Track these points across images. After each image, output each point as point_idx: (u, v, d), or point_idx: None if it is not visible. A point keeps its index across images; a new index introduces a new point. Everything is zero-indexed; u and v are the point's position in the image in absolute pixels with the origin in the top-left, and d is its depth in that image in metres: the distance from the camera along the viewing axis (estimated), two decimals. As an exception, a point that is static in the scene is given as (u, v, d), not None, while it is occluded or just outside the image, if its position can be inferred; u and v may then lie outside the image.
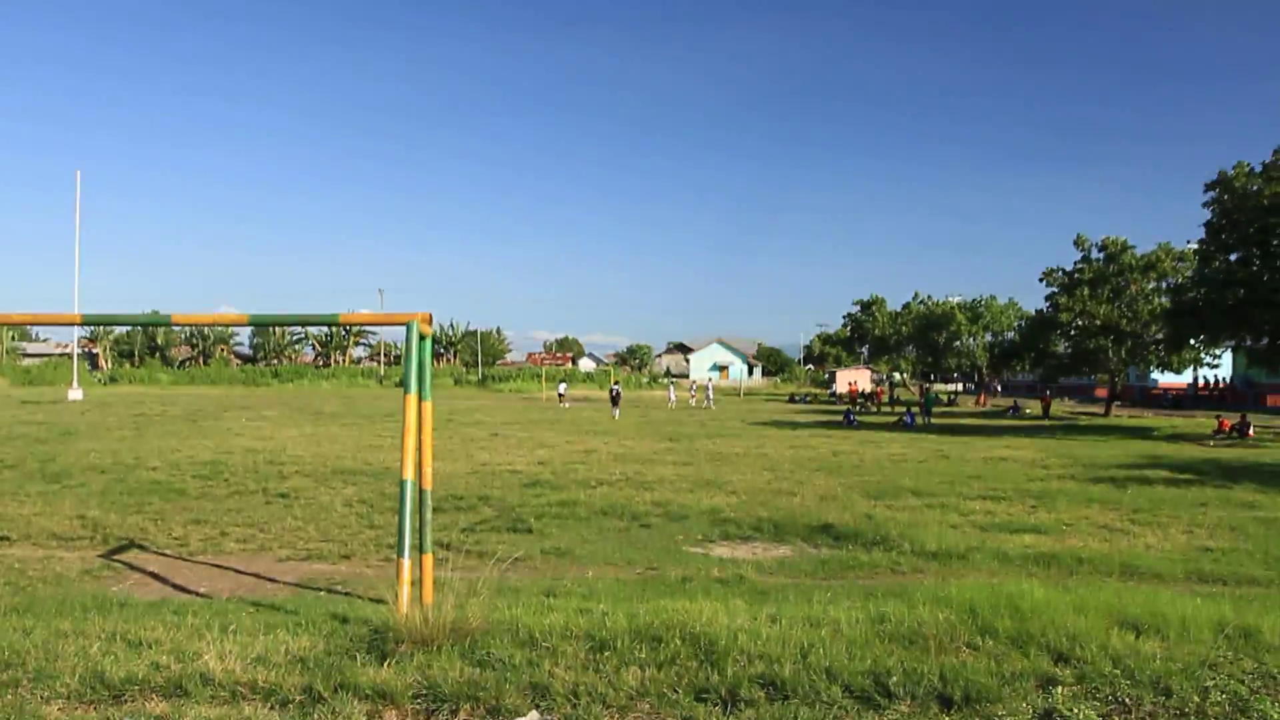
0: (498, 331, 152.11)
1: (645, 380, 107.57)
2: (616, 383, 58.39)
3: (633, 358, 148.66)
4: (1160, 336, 45.30)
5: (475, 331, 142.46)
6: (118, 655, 6.27)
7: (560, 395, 63.38)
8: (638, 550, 12.04)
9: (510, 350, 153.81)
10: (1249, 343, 37.31)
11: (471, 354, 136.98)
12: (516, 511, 14.69)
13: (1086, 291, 47.04)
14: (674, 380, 65.87)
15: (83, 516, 14.11)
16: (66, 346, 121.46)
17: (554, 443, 28.01)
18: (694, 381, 72.29)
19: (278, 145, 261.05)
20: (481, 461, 22.16)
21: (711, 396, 63.16)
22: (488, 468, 20.85)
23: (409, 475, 7.87)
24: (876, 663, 5.94)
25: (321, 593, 9.48)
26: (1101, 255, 48.06)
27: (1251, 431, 33.80)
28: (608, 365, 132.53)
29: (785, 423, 42.33)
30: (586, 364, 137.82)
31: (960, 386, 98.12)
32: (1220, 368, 52.58)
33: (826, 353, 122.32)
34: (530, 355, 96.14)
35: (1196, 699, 4.67)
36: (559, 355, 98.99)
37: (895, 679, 5.66)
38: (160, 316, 9.52)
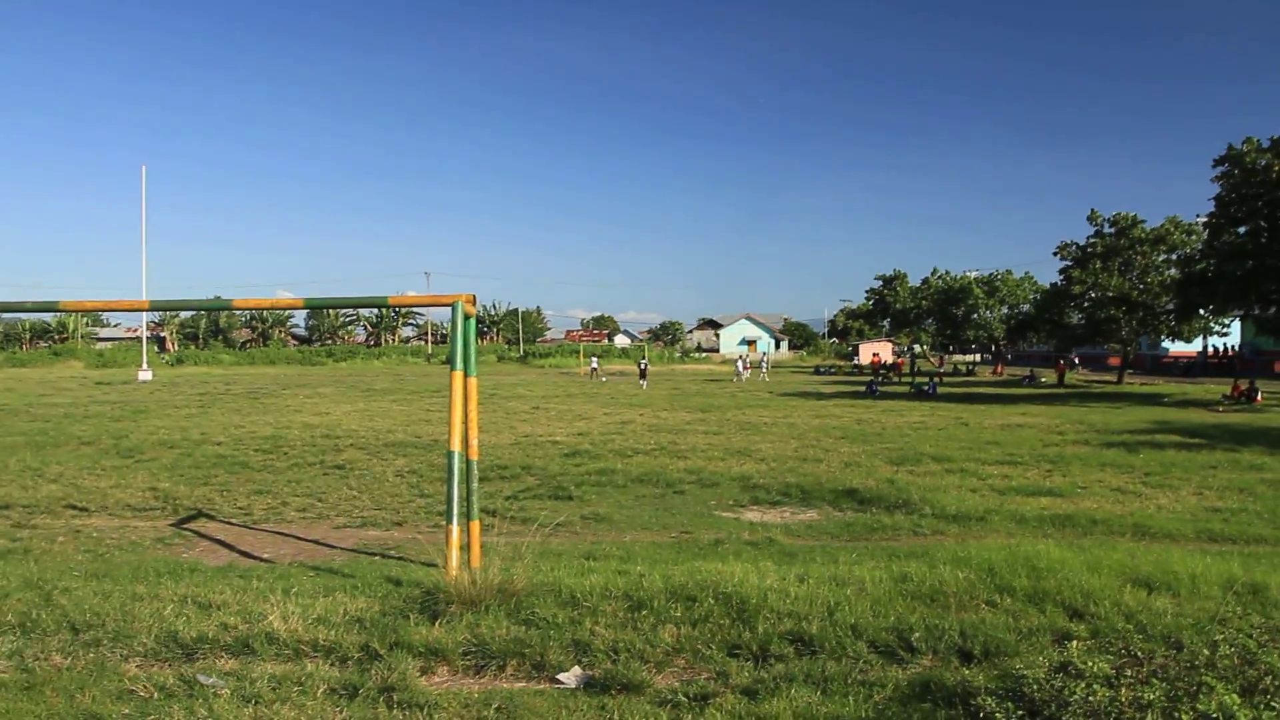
0: (538, 310, 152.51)
1: (678, 354, 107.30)
2: (644, 359, 58.47)
3: (665, 333, 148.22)
4: (1170, 307, 44.67)
5: (516, 311, 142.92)
6: (189, 616, 6.39)
7: (594, 370, 63.43)
8: (672, 515, 12.06)
9: (549, 328, 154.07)
10: (1257, 312, 36.66)
11: (513, 332, 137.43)
12: (557, 480, 14.73)
13: (1099, 264, 46.42)
14: (741, 356, 65.75)
15: (154, 489, 14.34)
16: (136, 331, 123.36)
17: (592, 415, 28.05)
18: (743, 357, 72.44)
19: (329, 140, 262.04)
20: (524, 433, 22.23)
21: (766, 368, 63.90)
22: (530, 439, 20.91)
23: (456, 446, 7.93)
24: (900, 619, 5.94)
25: (376, 558, 9.58)
26: (1113, 230, 47.47)
27: (1259, 397, 33.35)
28: (641, 341, 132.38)
29: (811, 394, 42.15)
30: (621, 340, 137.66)
31: (978, 357, 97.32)
32: (1229, 336, 51.80)
33: (850, 326, 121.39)
34: (568, 333, 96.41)
35: (1206, 652, 4.63)
36: (595, 332, 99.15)
37: (918, 635, 5.66)
38: (222, 301, 9.62)
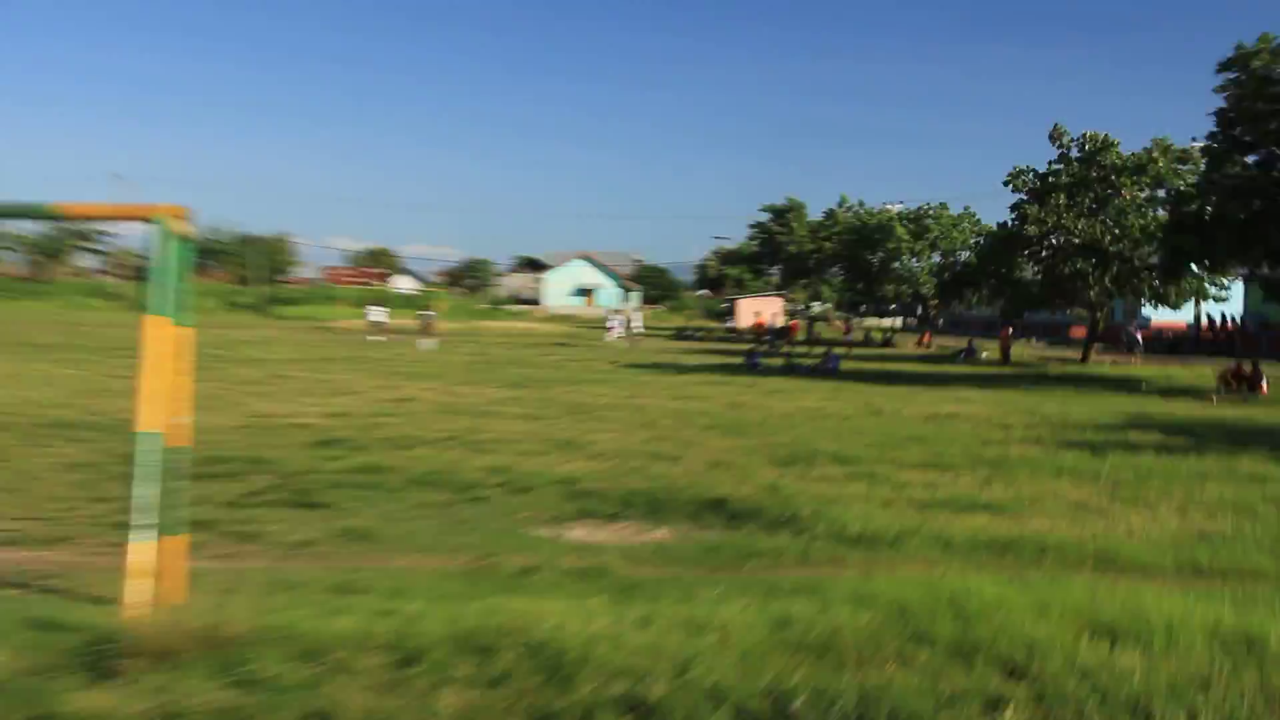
0: (285, 238, 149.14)
1: (486, 306, 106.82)
2: (430, 309, 58.12)
3: (469, 276, 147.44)
4: (1154, 260, 45.96)
5: (253, 237, 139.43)
6: None
7: (378, 325, 62.59)
8: (466, 532, 12.00)
9: (302, 264, 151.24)
10: (1265, 270, 37.66)
11: (248, 267, 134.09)
12: (302, 480, 14.55)
13: (1063, 199, 47.28)
14: (619, 310, 66.61)
15: None
16: None
17: (358, 388, 27.77)
18: (621, 310, 72.56)
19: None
20: (257, 412, 21.90)
21: (629, 328, 64.80)
22: (266, 421, 20.64)
23: (152, 428, 7.64)
24: (777, 680, 5.99)
25: (21, 590, 9.15)
26: (1081, 155, 48.22)
27: (1265, 385, 33.87)
28: (435, 286, 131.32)
29: (669, 366, 42.57)
30: (405, 283, 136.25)
31: (899, 322, 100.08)
32: (1228, 301, 53.51)
33: (726, 275, 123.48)
34: (329, 271, 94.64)
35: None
36: (367, 271, 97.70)
37: (801, 701, 5.72)
38: None
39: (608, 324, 60.95)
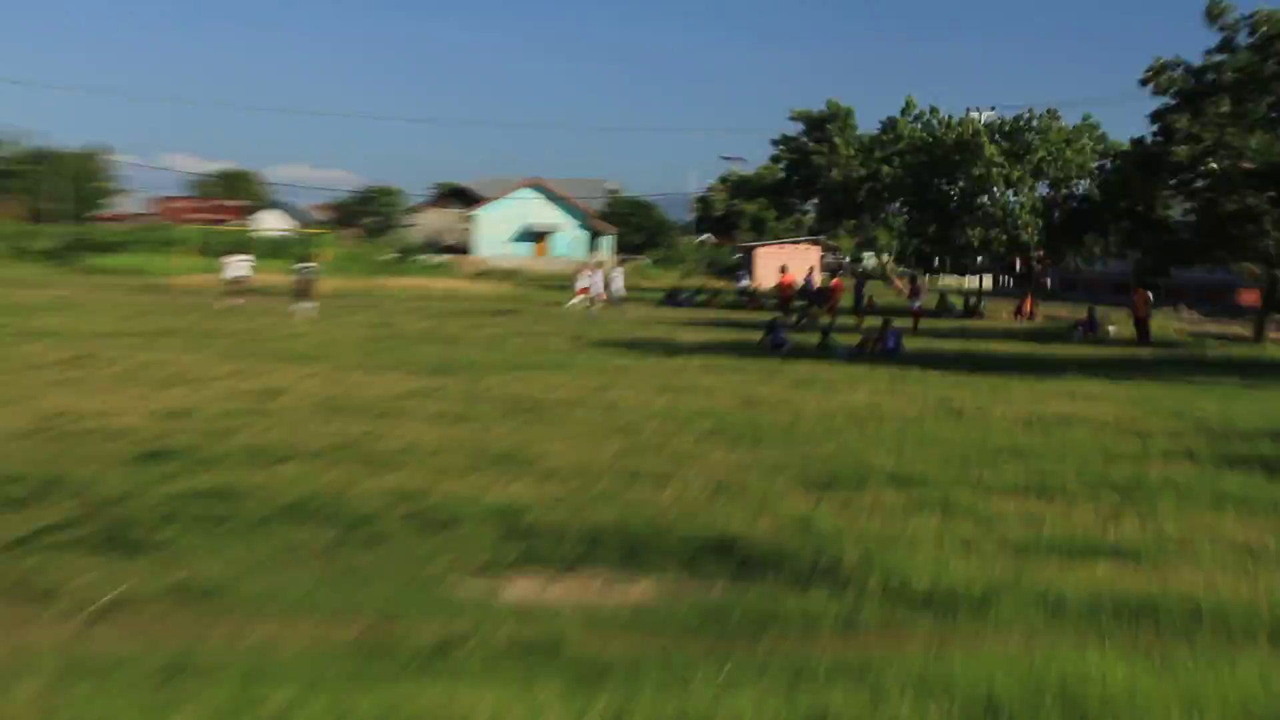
0: (99, 155, 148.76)
1: (392, 256, 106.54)
2: (309, 261, 57.72)
3: (368, 212, 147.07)
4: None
5: (53, 153, 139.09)
6: None
7: (238, 282, 61.30)
8: (357, 587, 11.89)
9: (123, 191, 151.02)
10: None
11: (45, 197, 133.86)
12: (119, 510, 14.40)
13: (1227, 106, 47.30)
14: (595, 264, 66.40)
15: None
16: None
17: (204, 375, 27.71)
18: (601, 263, 72.24)
19: None
20: (55, 409, 21.75)
21: (616, 289, 64.78)
22: (67, 422, 20.52)
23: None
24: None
25: None
26: (1253, 38, 47.98)
27: None
28: (317, 228, 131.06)
29: (655, 343, 42.48)
30: (276, 221, 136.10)
31: (988, 282, 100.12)
32: None
33: (739, 212, 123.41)
34: (161, 202, 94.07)
35: None
36: (220, 204, 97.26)
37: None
38: None
39: (578, 283, 59.82)
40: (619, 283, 65.46)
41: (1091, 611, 11.34)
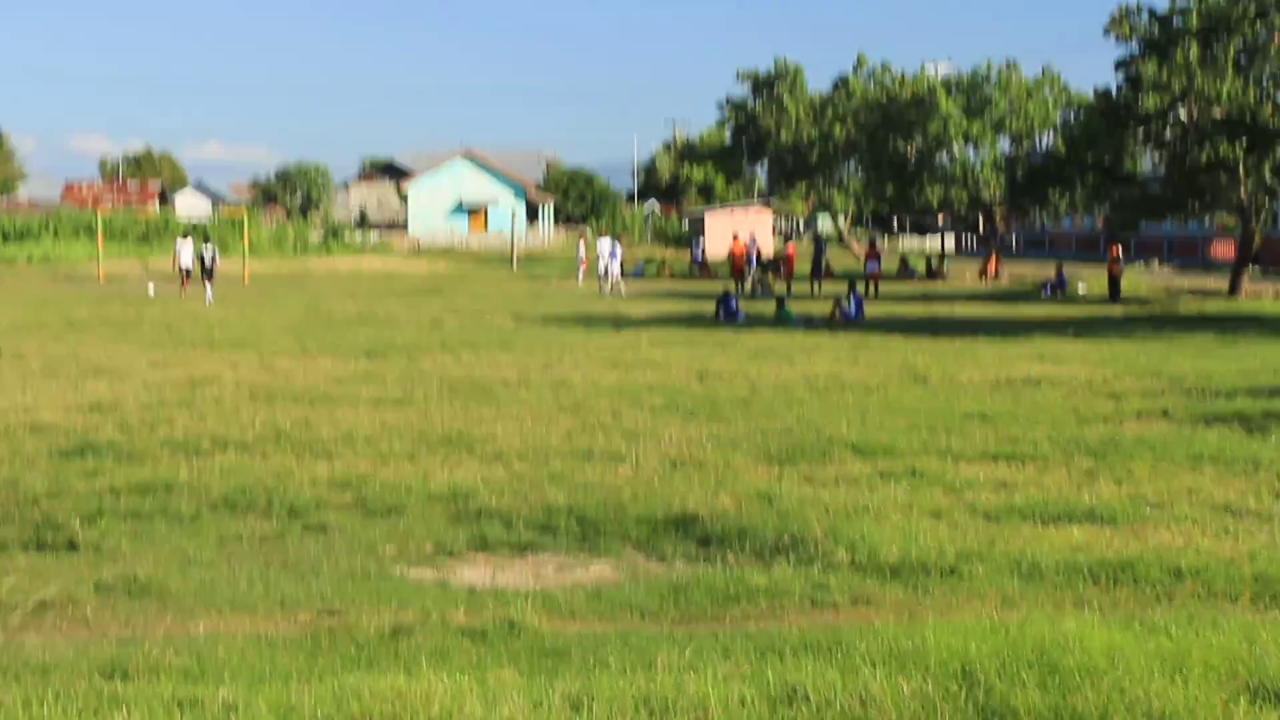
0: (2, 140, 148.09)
1: (318, 236, 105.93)
2: (208, 241, 57.42)
3: (290, 192, 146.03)
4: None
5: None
6: None
7: (187, 271, 59.40)
8: (300, 578, 11.85)
9: (26, 175, 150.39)
10: None
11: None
12: (44, 507, 14.34)
13: (1195, 51, 47.14)
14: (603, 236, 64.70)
15: None
16: None
17: (128, 366, 27.70)
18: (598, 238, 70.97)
19: None
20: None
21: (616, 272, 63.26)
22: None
23: None
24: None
25: None
26: None
27: None
28: (235, 203, 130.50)
29: (602, 317, 42.46)
30: (193, 203, 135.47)
31: (950, 242, 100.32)
32: None
33: (686, 179, 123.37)
34: (71, 187, 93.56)
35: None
36: (133, 186, 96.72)
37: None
38: None
39: (581, 257, 58.37)
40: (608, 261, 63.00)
41: (1068, 576, 11.38)
